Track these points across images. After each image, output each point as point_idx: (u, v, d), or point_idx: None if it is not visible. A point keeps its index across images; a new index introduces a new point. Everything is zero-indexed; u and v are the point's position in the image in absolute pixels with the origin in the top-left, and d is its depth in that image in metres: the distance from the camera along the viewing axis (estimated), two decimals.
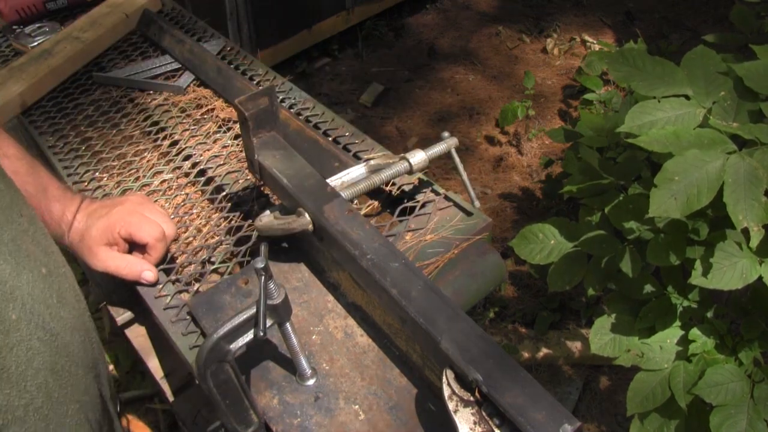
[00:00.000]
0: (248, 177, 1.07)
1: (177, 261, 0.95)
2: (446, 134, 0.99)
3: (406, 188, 1.03)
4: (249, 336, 0.68)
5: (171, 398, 1.06)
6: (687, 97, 1.04)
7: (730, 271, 1.07)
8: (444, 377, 0.66)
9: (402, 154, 0.97)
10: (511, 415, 0.60)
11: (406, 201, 1.00)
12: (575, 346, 2.10)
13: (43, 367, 0.51)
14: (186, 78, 1.29)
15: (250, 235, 0.96)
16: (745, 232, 0.94)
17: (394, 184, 1.04)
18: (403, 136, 2.98)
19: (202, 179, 1.08)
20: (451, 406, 0.64)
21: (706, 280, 1.08)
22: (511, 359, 0.65)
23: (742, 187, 0.93)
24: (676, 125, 1.01)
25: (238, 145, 1.14)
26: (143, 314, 1.00)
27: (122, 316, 0.99)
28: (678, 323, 1.26)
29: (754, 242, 0.93)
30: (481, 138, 2.95)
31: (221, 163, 1.10)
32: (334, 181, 0.93)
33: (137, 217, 0.87)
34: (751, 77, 1.01)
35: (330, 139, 1.12)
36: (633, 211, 1.18)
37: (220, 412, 0.70)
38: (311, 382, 0.76)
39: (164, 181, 1.09)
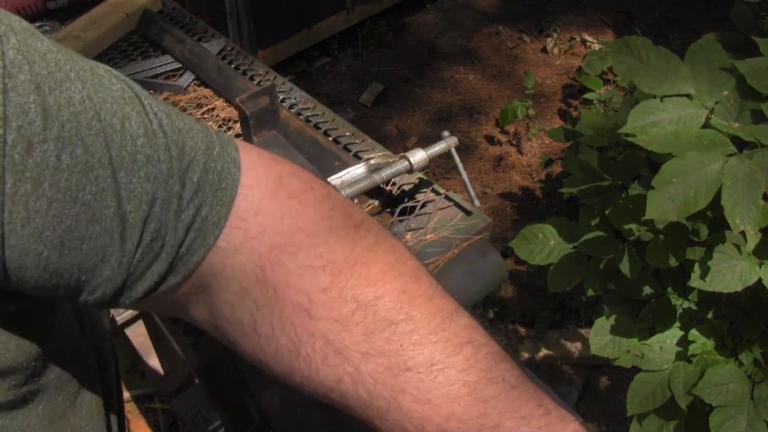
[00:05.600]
0: None
1: None
2: (446, 133, 0.99)
3: (406, 188, 1.03)
4: None
5: (171, 398, 1.06)
6: (689, 97, 1.04)
7: (729, 273, 1.07)
8: None
9: (402, 153, 0.97)
10: None
11: (406, 201, 1.00)
12: (575, 346, 2.10)
13: None
14: (186, 77, 1.29)
15: None
16: (743, 235, 0.94)
17: (394, 183, 1.04)
18: (403, 135, 2.98)
19: None
20: None
21: (705, 283, 1.08)
22: (513, 357, 0.65)
23: (740, 190, 0.92)
24: (678, 125, 1.01)
25: None
26: (143, 313, 1.00)
27: (122, 315, 0.99)
28: (678, 324, 1.26)
29: (751, 246, 0.93)
30: (481, 137, 2.96)
31: None
32: (334, 179, 0.93)
33: None
34: (754, 75, 1.00)
35: (330, 138, 1.12)
36: (633, 212, 1.18)
37: (220, 411, 0.70)
38: None
39: None
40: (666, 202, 0.94)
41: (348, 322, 0.44)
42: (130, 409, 1.92)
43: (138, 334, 1.03)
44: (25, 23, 0.38)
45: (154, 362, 1.23)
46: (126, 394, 1.94)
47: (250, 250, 0.44)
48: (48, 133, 0.35)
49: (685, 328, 1.26)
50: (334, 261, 0.45)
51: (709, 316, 1.26)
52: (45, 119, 0.35)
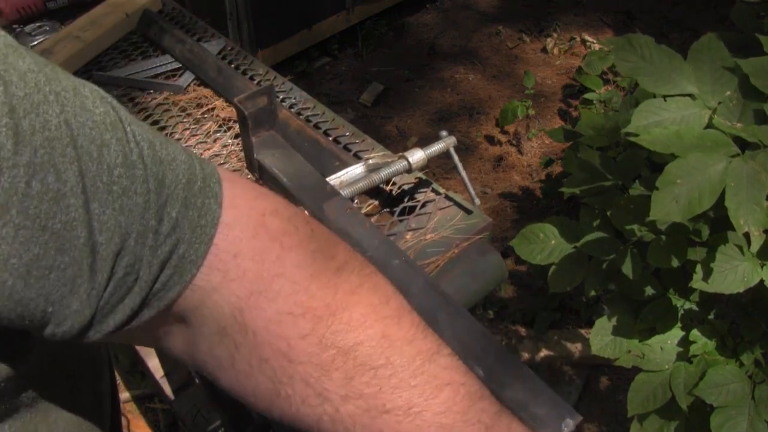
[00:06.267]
0: (248, 176, 1.06)
1: None
2: (444, 133, 0.99)
3: (406, 188, 1.03)
4: None
5: (171, 398, 1.06)
6: (692, 97, 1.04)
7: (731, 274, 1.07)
8: None
9: (401, 153, 0.97)
10: (514, 410, 0.60)
11: (406, 200, 1.00)
12: (575, 346, 2.10)
13: None
14: (186, 77, 1.29)
15: None
16: (747, 236, 0.94)
17: (394, 183, 1.03)
18: (403, 135, 2.98)
19: None
20: None
21: (707, 285, 1.07)
22: (513, 356, 0.65)
23: (744, 191, 0.92)
24: (681, 125, 1.01)
25: (238, 144, 1.14)
26: None
27: None
28: (679, 324, 1.26)
29: (755, 247, 0.93)
30: (481, 137, 2.95)
31: (221, 162, 1.10)
32: (333, 179, 0.93)
33: None
34: (757, 75, 1.00)
35: (330, 138, 1.12)
36: (634, 212, 1.18)
37: (220, 411, 0.70)
38: None
39: None
40: (670, 203, 0.94)
41: (328, 368, 0.45)
42: (130, 409, 1.91)
43: None
44: (9, 39, 0.36)
45: (154, 362, 1.23)
46: (126, 394, 1.94)
47: (228, 292, 0.43)
48: (19, 159, 0.33)
49: (686, 328, 1.25)
50: (314, 308, 0.45)
51: (710, 316, 1.25)
52: (16, 144, 0.33)
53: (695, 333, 1.23)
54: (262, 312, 0.44)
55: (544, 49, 3.43)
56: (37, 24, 1.41)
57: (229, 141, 1.15)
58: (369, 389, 0.45)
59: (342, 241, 0.51)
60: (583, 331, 2.14)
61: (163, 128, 1.18)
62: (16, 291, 0.35)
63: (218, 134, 1.17)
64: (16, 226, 0.33)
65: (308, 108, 1.19)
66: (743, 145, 0.98)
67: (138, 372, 1.98)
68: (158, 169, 0.41)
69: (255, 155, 0.91)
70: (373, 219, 0.99)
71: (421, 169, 0.98)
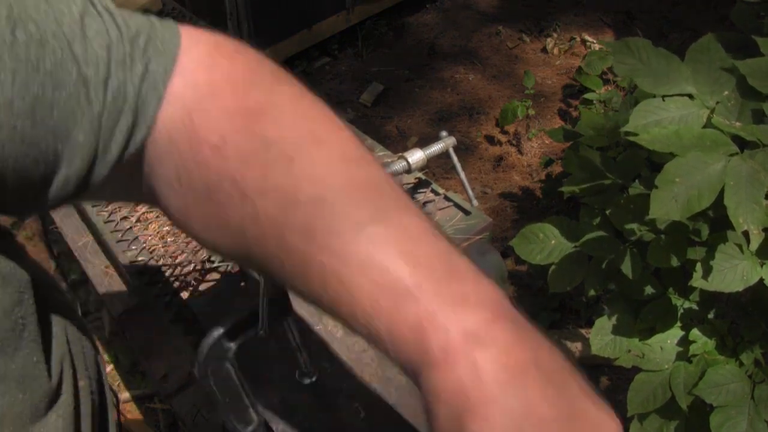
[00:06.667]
0: None
1: (177, 260, 0.95)
2: (444, 133, 0.99)
3: (406, 188, 1.03)
4: (250, 333, 0.68)
5: (171, 398, 1.06)
6: (691, 97, 1.04)
7: (730, 273, 1.07)
8: None
9: (400, 154, 0.97)
10: None
11: None
12: (575, 346, 2.10)
13: None
14: None
15: None
16: (746, 234, 0.94)
17: None
18: (403, 135, 2.98)
19: None
20: None
21: (707, 283, 1.07)
22: None
23: (743, 189, 0.92)
24: (680, 125, 1.01)
25: None
26: (143, 311, 0.99)
27: (122, 315, 0.99)
28: (678, 324, 1.26)
29: (754, 245, 0.93)
30: (481, 137, 2.96)
31: None
32: None
33: None
34: (755, 75, 1.00)
35: None
36: (634, 211, 1.18)
37: (220, 411, 0.70)
38: (311, 380, 0.76)
39: None
40: (669, 202, 0.94)
41: (250, 160, 0.45)
42: (130, 409, 1.92)
43: (138, 334, 1.03)
44: None
45: (154, 362, 1.23)
46: (126, 394, 1.94)
47: (182, 102, 0.47)
48: None
49: (686, 328, 1.26)
50: (250, 106, 0.47)
51: (710, 316, 1.25)
52: None
53: (695, 332, 1.23)
54: (206, 113, 0.47)
55: (544, 49, 3.43)
56: None
57: None
58: (286, 181, 0.45)
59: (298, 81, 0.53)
60: (583, 331, 2.13)
61: None
62: (26, 133, 0.38)
63: None
64: (11, 70, 0.37)
65: None
66: (742, 144, 0.98)
67: (138, 372, 1.99)
68: (122, 15, 0.46)
69: None
70: None
71: (421, 169, 0.98)
